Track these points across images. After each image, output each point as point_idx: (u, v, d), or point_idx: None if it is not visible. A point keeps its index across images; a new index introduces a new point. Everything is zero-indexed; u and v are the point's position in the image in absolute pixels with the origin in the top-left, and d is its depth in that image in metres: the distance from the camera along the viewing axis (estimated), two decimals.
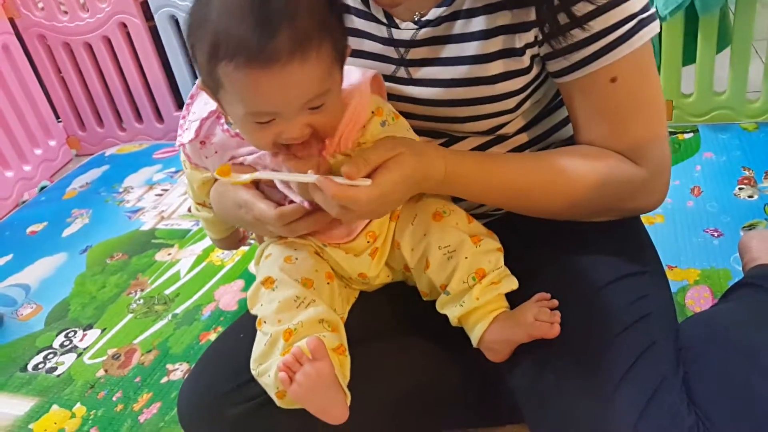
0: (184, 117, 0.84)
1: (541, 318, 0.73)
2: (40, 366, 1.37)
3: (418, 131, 0.81)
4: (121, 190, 1.98)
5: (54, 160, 2.24)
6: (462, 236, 0.77)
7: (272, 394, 0.75)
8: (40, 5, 2.11)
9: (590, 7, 0.71)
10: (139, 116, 2.25)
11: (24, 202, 2.07)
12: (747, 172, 1.53)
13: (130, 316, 1.45)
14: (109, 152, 2.23)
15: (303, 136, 0.68)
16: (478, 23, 0.76)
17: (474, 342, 0.77)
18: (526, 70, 0.78)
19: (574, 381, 0.70)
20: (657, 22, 0.75)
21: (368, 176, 0.67)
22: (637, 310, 0.75)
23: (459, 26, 0.77)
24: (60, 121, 2.30)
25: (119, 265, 1.63)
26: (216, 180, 0.84)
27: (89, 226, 1.83)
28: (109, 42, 2.13)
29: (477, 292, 0.76)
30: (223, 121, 0.80)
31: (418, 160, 0.71)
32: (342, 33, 0.69)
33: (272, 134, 0.67)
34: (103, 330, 1.43)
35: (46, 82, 2.22)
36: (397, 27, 0.79)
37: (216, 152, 0.81)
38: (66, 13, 2.11)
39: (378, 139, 0.73)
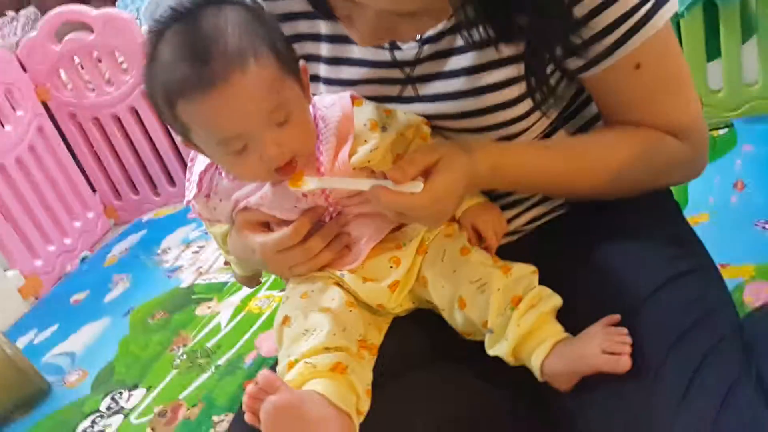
0: (188, 179, 0.83)
1: (610, 349, 0.66)
2: (88, 430, 1.36)
3: None
4: (159, 251, 2.00)
5: (93, 230, 2.29)
6: (490, 269, 0.74)
7: None
8: (69, 86, 2.20)
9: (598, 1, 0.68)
10: (171, 180, 2.30)
11: (67, 274, 2.11)
12: None
13: (174, 372, 1.45)
14: (146, 218, 2.27)
15: (282, 154, 0.69)
16: (480, 32, 0.72)
17: (537, 375, 0.71)
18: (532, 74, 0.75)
19: (635, 402, 0.65)
20: (675, 1, 0.72)
21: (422, 180, 0.68)
22: (692, 313, 0.69)
23: (461, 38, 0.75)
24: (96, 192, 2.36)
25: (161, 324, 1.64)
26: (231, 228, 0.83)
27: (130, 290, 1.85)
28: (136, 112, 2.19)
29: (516, 319, 0.71)
30: (225, 173, 0.79)
31: (467, 159, 0.71)
32: (284, 42, 0.71)
33: (255, 162, 0.69)
34: (148, 388, 1.43)
35: (80, 156, 2.29)
36: (399, 48, 0.79)
37: (221, 200, 0.80)
38: (93, 90, 2.19)
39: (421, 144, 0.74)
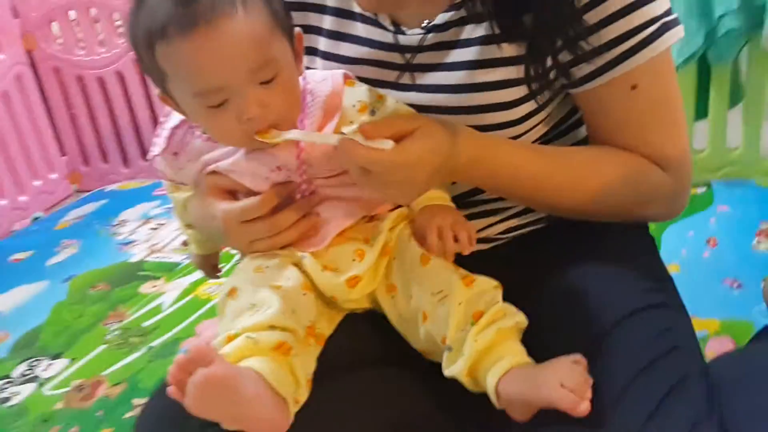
0: (157, 134, 0.78)
1: (569, 384, 0.59)
2: None
3: None
4: (116, 222, 1.90)
5: (53, 192, 2.17)
6: (451, 276, 0.67)
7: None
8: (59, 40, 2.10)
9: (608, 12, 0.67)
10: (144, 154, 2.20)
11: (13, 231, 1.98)
12: (765, 226, 1.48)
13: (103, 347, 1.34)
14: (109, 188, 2.16)
15: (263, 116, 0.65)
16: (486, 28, 0.71)
17: (492, 399, 0.63)
18: (531, 79, 0.72)
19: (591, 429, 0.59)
20: (681, 27, 0.70)
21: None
22: (662, 344, 0.65)
23: (467, 31, 0.73)
24: (65, 157, 2.25)
25: (100, 295, 1.53)
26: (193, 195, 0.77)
27: (77, 256, 1.74)
28: (122, 78, 2.10)
29: (475, 334, 0.64)
30: (199, 131, 0.74)
31: (449, 138, 0.65)
32: (281, 4, 0.68)
33: (232, 120, 0.65)
34: (72, 360, 1.31)
35: (55, 114, 2.19)
36: (403, 33, 0.76)
37: (189, 161, 0.74)
38: (83, 48, 2.10)
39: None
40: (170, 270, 1.58)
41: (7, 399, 1.23)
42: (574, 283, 0.71)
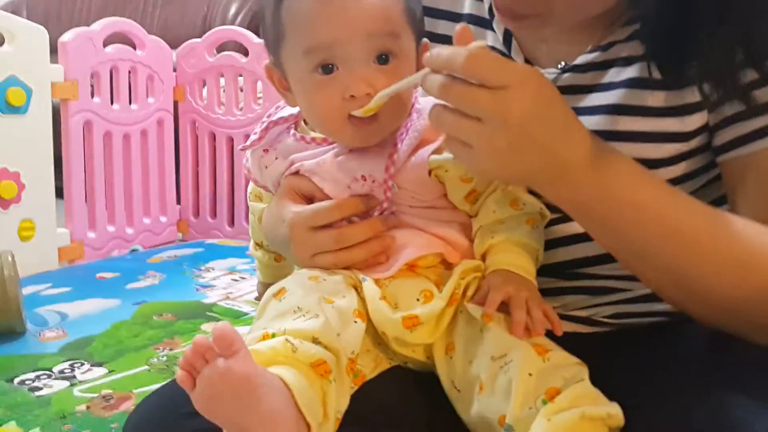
0: (254, 132, 0.76)
1: None
2: (26, 382, 1.21)
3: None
4: (202, 268, 1.90)
5: (158, 234, 2.24)
6: (519, 343, 0.56)
7: None
8: (205, 97, 2.26)
9: None
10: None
11: (111, 257, 2.04)
12: None
13: (144, 367, 1.28)
14: (209, 241, 2.20)
15: (367, 98, 0.60)
16: (633, 71, 0.63)
17: None
18: (682, 136, 0.61)
19: None
20: None
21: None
22: None
23: (610, 75, 0.64)
24: (179, 205, 2.33)
25: (163, 324, 1.50)
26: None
27: (155, 287, 1.74)
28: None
29: (548, 412, 0.51)
30: (294, 130, 0.71)
31: (562, 98, 0.54)
32: (419, 6, 0.66)
33: (335, 94, 0.61)
34: (110, 371, 1.26)
35: (182, 164, 2.30)
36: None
37: (277, 158, 0.70)
38: (223, 106, 2.24)
39: None
40: (237, 317, 1.54)
41: (39, 389, 1.19)
42: (695, 396, 0.53)
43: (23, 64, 1.77)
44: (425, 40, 0.66)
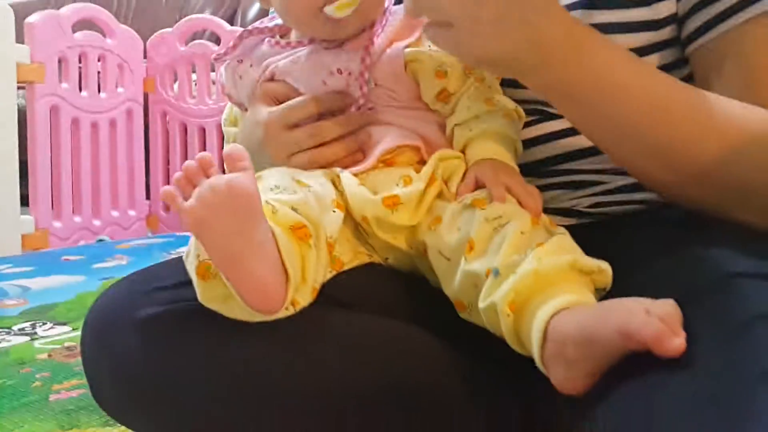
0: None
1: (658, 312, 0.41)
2: None
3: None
4: (172, 252, 1.83)
5: (126, 228, 2.17)
6: (518, 210, 0.54)
7: (192, 272, 0.50)
8: (175, 87, 2.23)
9: None
10: None
11: (77, 245, 1.96)
12: None
13: None
14: (181, 233, 2.13)
15: None
16: None
17: (534, 347, 0.46)
18: (653, 25, 0.61)
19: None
20: None
21: None
22: None
23: None
24: (148, 199, 2.27)
25: None
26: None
27: (123, 267, 1.67)
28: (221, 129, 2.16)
29: (539, 254, 0.49)
30: (270, 38, 0.69)
31: None
32: None
33: None
34: (74, 329, 1.18)
35: (152, 156, 2.25)
36: None
37: (252, 66, 0.68)
38: (194, 97, 2.20)
39: None
40: None
41: None
42: (671, 252, 0.52)
43: None
44: None
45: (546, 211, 0.57)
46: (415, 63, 0.61)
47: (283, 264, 0.48)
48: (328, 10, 0.59)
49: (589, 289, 0.49)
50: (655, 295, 0.43)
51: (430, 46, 0.61)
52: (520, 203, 0.54)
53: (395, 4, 0.66)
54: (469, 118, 0.61)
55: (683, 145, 0.54)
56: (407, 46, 0.62)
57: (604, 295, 0.49)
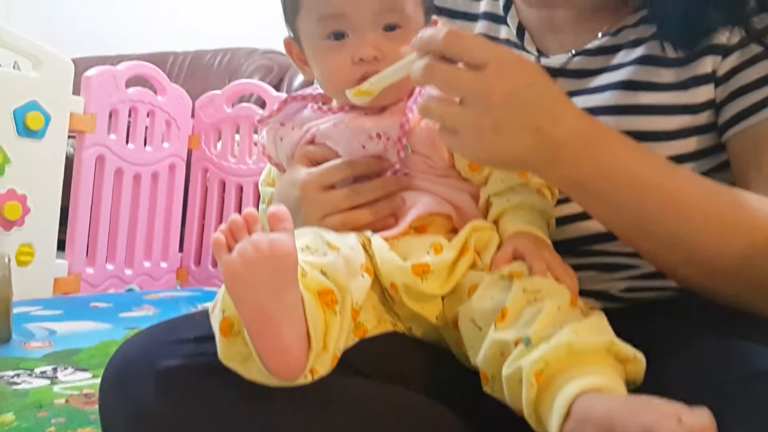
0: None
1: (689, 421, 0.40)
2: (4, 378, 1.13)
3: None
4: (199, 307, 1.84)
5: (157, 279, 2.19)
6: (559, 287, 0.54)
7: (216, 327, 0.51)
8: (219, 146, 2.29)
9: None
10: None
11: (106, 293, 1.99)
12: None
13: None
14: (208, 288, 2.15)
15: (375, 62, 0.62)
16: (642, 50, 0.66)
17: (554, 421, 0.45)
18: (691, 108, 0.63)
19: None
20: None
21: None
22: None
23: (620, 57, 0.67)
24: (181, 252, 2.30)
25: None
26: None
27: (149, 317, 1.68)
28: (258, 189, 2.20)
29: (575, 328, 0.49)
30: (313, 104, 0.72)
31: (548, 78, 0.54)
32: None
33: (345, 58, 0.63)
34: (94, 376, 1.18)
35: (189, 212, 2.29)
36: (546, 56, 0.71)
37: (293, 128, 0.71)
38: (235, 156, 2.26)
39: None
40: None
41: (16, 383, 1.12)
42: (703, 342, 0.52)
43: (46, 92, 1.80)
44: (435, 16, 0.69)
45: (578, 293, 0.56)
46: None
47: (308, 331, 0.48)
48: (348, 93, 0.62)
49: (621, 376, 0.48)
50: (685, 390, 0.42)
51: None
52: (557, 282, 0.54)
53: None
54: (503, 189, 0.62)
55: (703, 238, 0.54)
56: None
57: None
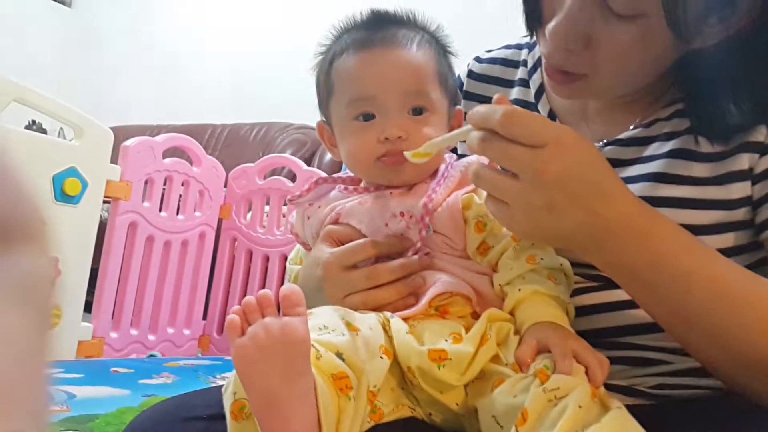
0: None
1: None
2: None
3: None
4: (218, 377, 1.83)
5: (179, 346, 2.19)
6: (578, 382, 0.53)
7: (227, 408, 0.51)
8: (248, 216, 2.33)
9: None
10: None
11: (128, 357, 1.99)
12: None
13: None
14: (229, 358, 2.13)
15: (400, 142, 0.64)
16: (675, 143, 0.65)
17: None
18: (725, 204, 0.62)
19: None
20: None
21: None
22: None
23: (652, 149, 0.67)
24: (205, 320, 2.31)
25: None
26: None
27: (168, 386, 1.66)
28: (284, 259, 2.21)
29: (596, 427, 0.48)
30: (341, 185, 0.75)
31: (603, 158, 0.54)
32: (452, 76, 0.71)
33: (372, 137, 0.65)
34: None
35: (215, 280, 2.31)
36: None
37: (320, 207, 0.73)
38: (264, 227, 2.29)
39: None
40: None
41: None
42: None
43: (85, 159, 1.87)
44: (458, 107, 0.71)
45: (604, 387, 0.54)
46: (466, 210, 0.63)
47: (318, 419, 0.47)
48: (407, 155, 0.62)
49: None
50: None
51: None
52: (587, 371, 0.52)
53: (457, 159, 0.70)
54: (513, 278, 0.61)
55: (742, 330, 0.52)
56: (465, 193, 0.65)
57: None
